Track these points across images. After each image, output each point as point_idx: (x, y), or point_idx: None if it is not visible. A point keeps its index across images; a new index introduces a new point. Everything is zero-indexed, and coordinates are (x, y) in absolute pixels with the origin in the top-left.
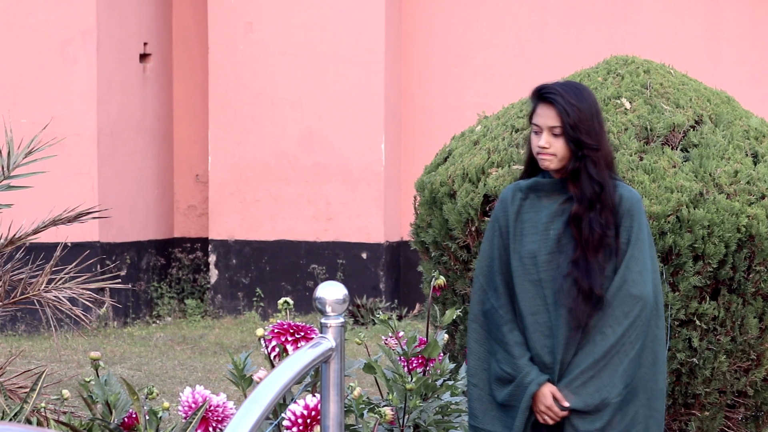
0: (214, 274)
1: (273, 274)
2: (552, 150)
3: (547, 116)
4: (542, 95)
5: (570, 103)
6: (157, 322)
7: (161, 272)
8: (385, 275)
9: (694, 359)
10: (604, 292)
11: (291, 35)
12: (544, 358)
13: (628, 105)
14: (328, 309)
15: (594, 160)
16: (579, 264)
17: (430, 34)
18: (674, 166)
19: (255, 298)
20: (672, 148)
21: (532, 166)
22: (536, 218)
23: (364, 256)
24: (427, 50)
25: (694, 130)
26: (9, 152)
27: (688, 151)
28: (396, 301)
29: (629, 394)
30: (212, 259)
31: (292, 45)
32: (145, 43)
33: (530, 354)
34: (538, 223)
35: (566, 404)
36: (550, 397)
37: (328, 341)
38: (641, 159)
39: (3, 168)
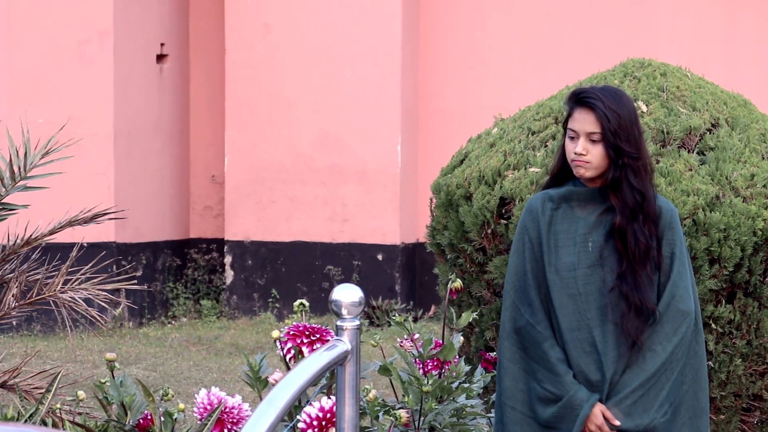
0: (229, 275)
1: (289, 275)
2: (588, 157)
3: (585, 121)
4: (581, 99)
5: (610, 108)
6: (173, 322)
7: (177, 273)
8: (400, 277)
9: (710, 363)
10: (655, 306)
11: (308, 37)
12: (589, 375)
13: (644, 108)
14: (344, 311)
15: (635, 169)
16: (626, 278)
17: (446, 36)
18: (690, 170)
19: (270, 299)
20: (688, 152)
21: (562, 174)
22: (572, 229)
23: (379, 257)
24: (443, 52)
25: (710, 133)
26: (26, 153)
27: (704, 155)
28: (411, 302)
29: (673, 413)
30: (228, 259)
31: (308, 46)
32: (162, 44)
33: (572, 371)
34: (575, 235)
35: (617, 423)
36: (600, 417)
37: (343, 344)
38: (658, 162)
39: (20, 169)
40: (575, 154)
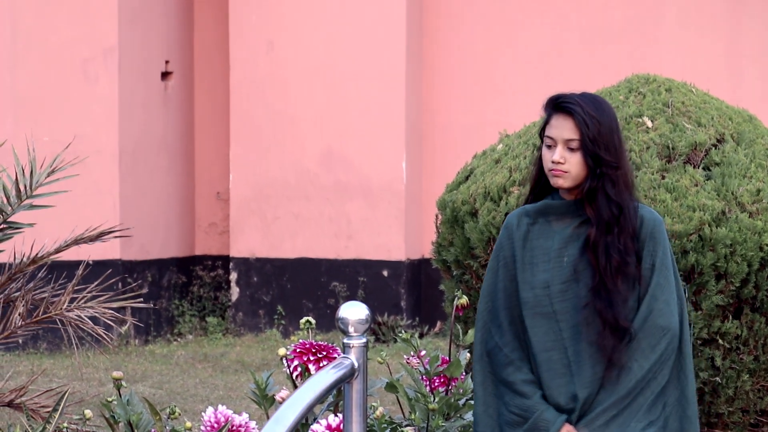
0: (235, 292)
1: (294, 291)
2: (566, 166)
3: (563, 128)
4: (559, 105)
5: (590, 114)
6: (179, 340)
7: (182, 290)
8: (406, 293)
9: (717, 378)
10: (629, 324)
11: (312, 54)
12: (559, 398)
13: (649, 123)
14: (351, 329)
15: (613, 179)
16: (600, 293)
17: (450, 52)
18: (696, 185)
19: (276, 316)
20: (694, 167)
21: (539, 187)
22: (547, 245)
23: (385, 273)
24: (448, 68)
25: (716, 148)
26: (32, 171)
27: (710, 170)
28: (417, 318)
29: None
30: (233, 276)
31: (313, 63)
32: (166, 61)
33: (542, 392)
34: (549, 250)
35: None
36: None
37: (350, 361)
38: (663, 178)
39: (26, 187)
40: (552, 162)
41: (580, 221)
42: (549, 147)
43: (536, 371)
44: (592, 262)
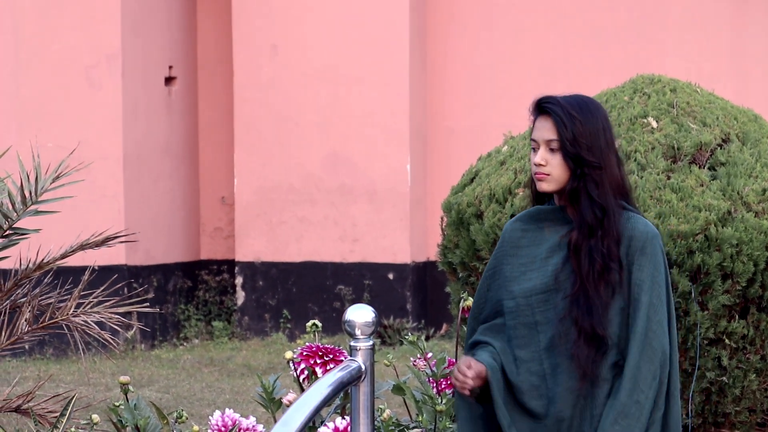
0: (240, 296)
1: (300, 295)
2: (548, 168)
3: (544, 129)
4: (540, 106)
5: (569, 114)
6: (185, 344)
7: (188, 294)
8: (411, 296)
9: (724, 378)
10: (606, 333)
11: (315, 57)
12: (531, 403)
13: (654, 124)
14: (358, 332)
15: (596, 180)
16: (579, 301)
17: (454, 55)
18: (702, 185)
19: (282, 320)
20: (699, 167)
21: (535, 192)
22: (536, 252)
23: (390, 276)
24: (452, 70)
25: (721, 148)
26: (37, 177)
27: (715, 170)
28: (423, 321)
29: None
30: (239, 280)
31: (316, 67)
32: (170, 67)
33: (492, 349)
34: (536, 258)
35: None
36: (468, 363)
37: (358, 364)
38: (669, 178)
39: (31, 193)
40: (534, 165)
41: (570, 229)
42: (534, 150)
43: (516, 379)
44: (574, 267)
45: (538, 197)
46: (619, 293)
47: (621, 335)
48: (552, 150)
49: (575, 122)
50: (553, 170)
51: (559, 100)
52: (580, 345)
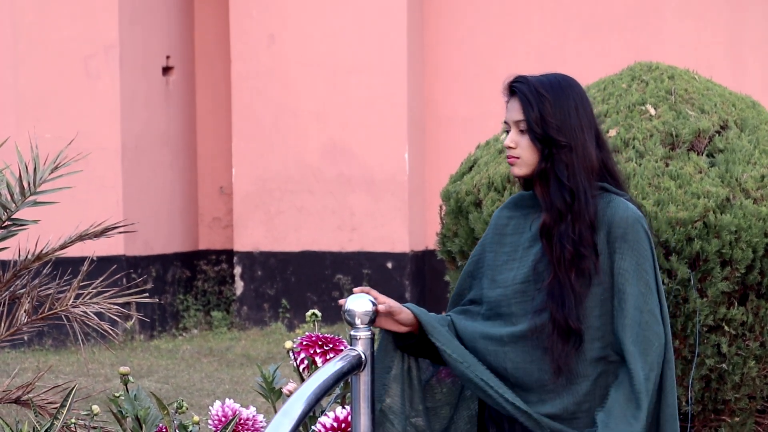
0: (239, 286)
1: (298, 285)
2: (518, 151)
3: (512, 109)
4: (509, 86)
5: (537, 92)
6: (184, 334)
7: (187, 285)
8: (410, 285)
9: (723, 365)
10: (580, 326)
11: (313, 47)
12: (508, 409)
13: (653, 111)
14: (358, 321)
15: (565, 162)
16: (553, 292)
17: (452, 44)
18: (700, 172)
19: (281, 310)
20: (698, 154)
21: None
22: (519, 241)
23: (389, 265)
24: (449, 59)
25: (719, 135)
26: (35, 168)
27: (714, 157)
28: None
29: None
30: (237, 270)
31: (314, 57)
32: (167, 57)
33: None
34: (519, 247)
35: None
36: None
37: (358, 353)
38: (667, 165)
39: (29, 184)
40: (505, 147)
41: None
42: (507, 133)
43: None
44: (547, 253)
45: (526, 183)
46: (597, 282)
47: (604, 328)
48: (522, 131)
49: (544, 101)
50: (522, 152)
51: (528, 79)
52: (554, 338)
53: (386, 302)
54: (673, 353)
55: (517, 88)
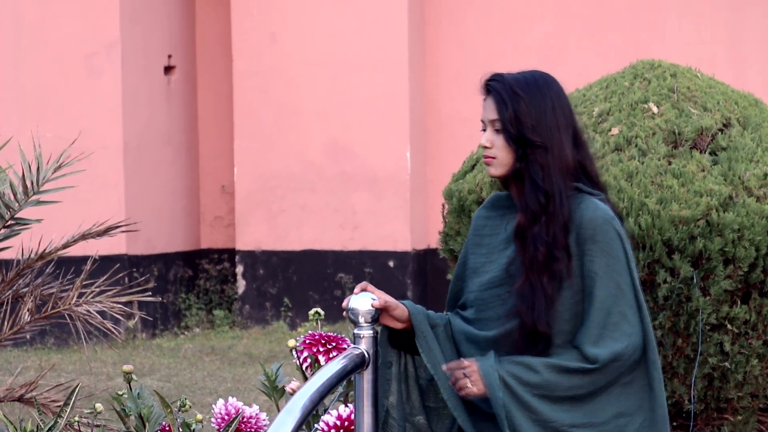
0: (241, 285)
1: (300, 283)
2: (494, 151)
3: (488, 108)
4: (485, 84)
5: (512, 91)
6: (186, 333)
7: (189, 283)
8: (412, 283)
9: (726, 363)
10: (549, 330)
11: (315, 45)
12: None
13: (655, 109)
14: (361, 319)
15: (540, 163)
16: (524, 295)
17: (453, 42)
18: (703, 170)
19: (283, 308)
20: (700, 152)
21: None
22: (495, 242)
23: (391, 264)
24: (451, 58)
25: (722, 133)
26: (38, 167)
27: (716, 155)
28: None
29: None
30: (240, 269)
31: (315, 55)
32: (169, 56)
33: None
34: (494, 249)
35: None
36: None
37: (361, 352)
38: (670, 163)
39: (33, 183)
40: (481, 147)
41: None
42: (483, 132)
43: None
44: (520, 256)
45: (504, 182)
46: (568, 285)
47: (574, 332)
48: (497, 131)
49: (519, 100)
50: (498, 152)
51: (505, 77)
52: (521, 343)
53: (382, 297)
54: (674, 352)
55: (492, 86)
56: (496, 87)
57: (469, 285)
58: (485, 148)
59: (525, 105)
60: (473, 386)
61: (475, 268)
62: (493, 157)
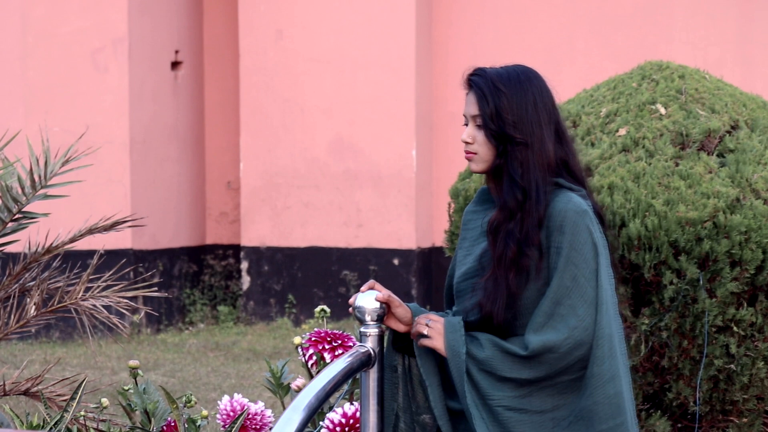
0: (246, 281)
1: (305, 280)
2: (475, 147)
3: (469, 103)
4: (466, 79)
5: (494, 86)
6: (190, 328)
7: (193, 279)
8: (416, 281)
9: (732, 365)
10: (503, 323)
11: (321, 42)
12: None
13: (663, 111)
14: (367, 318)
15: (520, 160)
16: (488, 288)
17: (460, 40)
18: (710, 172)
19: (287, 305)
20: (708, 154)
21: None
22: (474, 235)
23: (395, 262)
24: (457, 56)
25: (730, 135)
26: (46, 162)
27: (724, 157)
28: (428, 307)
29: None
30: (244, 265)
31: (322, 52)
32: (176, 51)
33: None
34: (474, 242)
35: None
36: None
37: (367, 350)
38: (677, 165)
39: (40, 177)
40: (463, 142)
41: None
42: (465, 126)
43: None
44: (491, 250)
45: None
46: (536, 281)
47: None
48: (479, 126)
49: (501, 96)
50: (479, 148)
51: (487, 72)
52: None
53: (387, 293)
54: (679, 353)
55: (474, 81)
56: (478, 82)
57: (454, 278)
58: (467, 143)
59: (506, 100)
60: (432, 339)
61: (459, 261)
62: (475, 153)
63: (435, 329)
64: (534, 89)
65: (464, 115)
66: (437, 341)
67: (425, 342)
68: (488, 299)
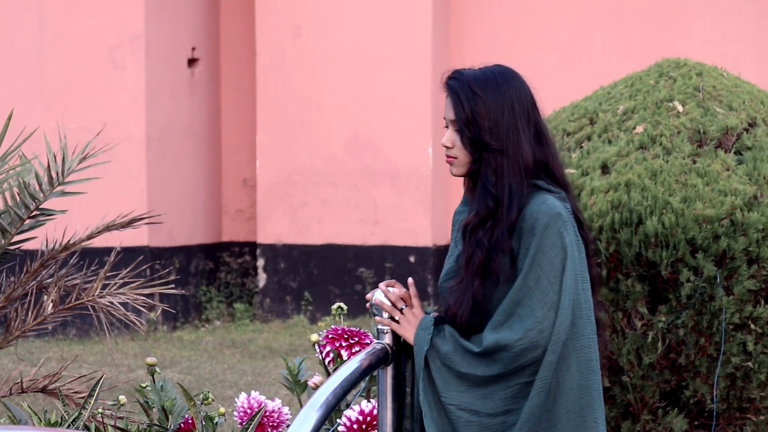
0: (262, 278)
1: (321, 277)
2: (455, 151)
3: (448, 107)
4: (444, 81)
5: (470, 90)
6: (206, 326)
7: (210, 276)
8: (432, 279)
9: (749, 363)
10: (464, 324)
11: (338, 40)
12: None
13: (680, 108)
14: (385, 315)
15: (494, 167)
16: (456, 291)
17: (477, 38)
18: (728, 169)
19: (303, 302)
20: (725, 151)
21: None
22: (458, 236)
23: (411, 259)
24: (474, 54)
25: (747, 132)
26: (64, 158)
27: (741, 154)
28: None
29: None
30: (260, 263)
31: (339, 49)
32: (193, 48)
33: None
34: (457, 243)
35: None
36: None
37: (385, 347)
38: (694, 162)
39: (57, 174)
40: (443, 146)
41: None
42: (446, 129)
43: None
44: (463, 253)
45: None
46: (506, 285)
47: None
48: (457, 131)
49: (477, 100)
50: (458, 153)
51: (464, 75)
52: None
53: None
54: (696, 351)
55: (451, 85)
56: (454, 86)
57: (440, 277)
58: (447, 147)
59: (483, 105)
60: (402, 327)
61: (446, 261)
62: (455, 157)
63: (408, 319)
64: (512, 91)
65: (444, 119)
66: (407, 331)
67: (394, 327)
68: (456, 302)
